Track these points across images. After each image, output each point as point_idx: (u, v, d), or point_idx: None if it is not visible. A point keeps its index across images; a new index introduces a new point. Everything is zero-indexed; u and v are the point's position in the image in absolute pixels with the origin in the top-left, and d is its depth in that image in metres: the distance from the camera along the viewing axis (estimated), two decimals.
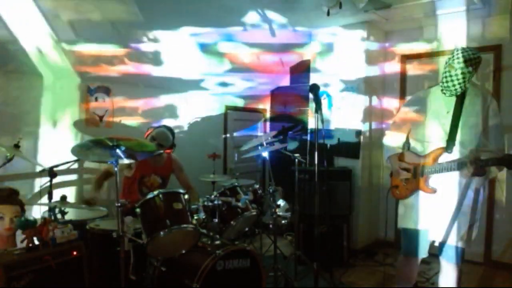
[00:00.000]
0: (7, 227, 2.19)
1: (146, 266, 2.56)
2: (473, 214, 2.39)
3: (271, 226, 3.39)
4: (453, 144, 2.35)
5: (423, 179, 2.45)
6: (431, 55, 4.32)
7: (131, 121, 3.93)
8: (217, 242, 2.59)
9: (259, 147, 3.33)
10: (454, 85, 2.31)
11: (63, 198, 2.47)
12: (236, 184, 3.03)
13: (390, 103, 4.63)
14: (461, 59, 2.25)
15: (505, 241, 3.90)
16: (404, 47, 4.49)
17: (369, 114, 4.43)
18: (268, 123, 5.75)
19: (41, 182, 2.90)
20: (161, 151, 3.13)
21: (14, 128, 3.02)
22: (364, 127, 4.35)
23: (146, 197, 2.43)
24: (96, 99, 3.63)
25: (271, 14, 3.85)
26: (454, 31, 4.09)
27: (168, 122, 4.08)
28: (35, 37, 3.01)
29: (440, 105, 2.44)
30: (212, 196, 2.78)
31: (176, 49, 3.87)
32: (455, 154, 2.36)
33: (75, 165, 3.32)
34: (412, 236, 2.54)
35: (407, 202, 2.57)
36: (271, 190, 3.27)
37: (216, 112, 4.99)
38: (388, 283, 3.42)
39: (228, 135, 5.14)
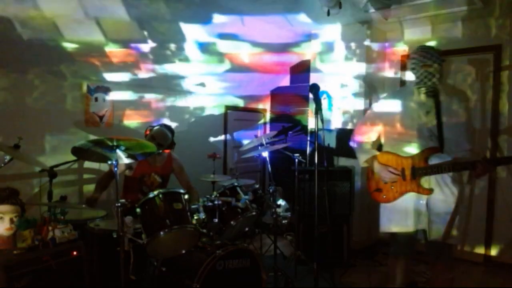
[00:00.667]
0: (7, 227, 2.18)
1: (146, 266, 2.56)
2: (457, 210, 2.42)
3: (271, 226, 3.39)
4: (442, 144, 2.37)
5: (416, 181, 2.44)
6: None
7: (131, 121, 3.93)
8: (217, 242, 2.59)
9: (259, 147, 3.34)
10: (430, 81, 2.37)
11: (63, 198, 2.47)
12: (236, 184, 3.02)
13: None
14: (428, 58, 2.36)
15: (505, 241, 3.90)
16: (404, 47, 4.49)
17: None
18: (268, 123, 5.75)
19: (41, 182, 2.90)
20: (160, 151, 3.13)
21: (14, 128, 3.01)
22: None
23: (146, 197, 2.43)
24: (96, 99, 3.63)
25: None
26: (454, 31, 4.09)
27: (168, 122, 4.09)
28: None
29: (419, 104, 2.46)
30: (212, 196, 2.77)
31: (175, 48, 3.87)
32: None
33: (75, 165, 3.32)
34: (403, 239, 2.55)
35: (394, 205, 2.54)
36: (271, 190, 3.27)
37: (216, 112, 4.99)
38: (388, 283, 3.41)
39: (228, 135, 5.14)
